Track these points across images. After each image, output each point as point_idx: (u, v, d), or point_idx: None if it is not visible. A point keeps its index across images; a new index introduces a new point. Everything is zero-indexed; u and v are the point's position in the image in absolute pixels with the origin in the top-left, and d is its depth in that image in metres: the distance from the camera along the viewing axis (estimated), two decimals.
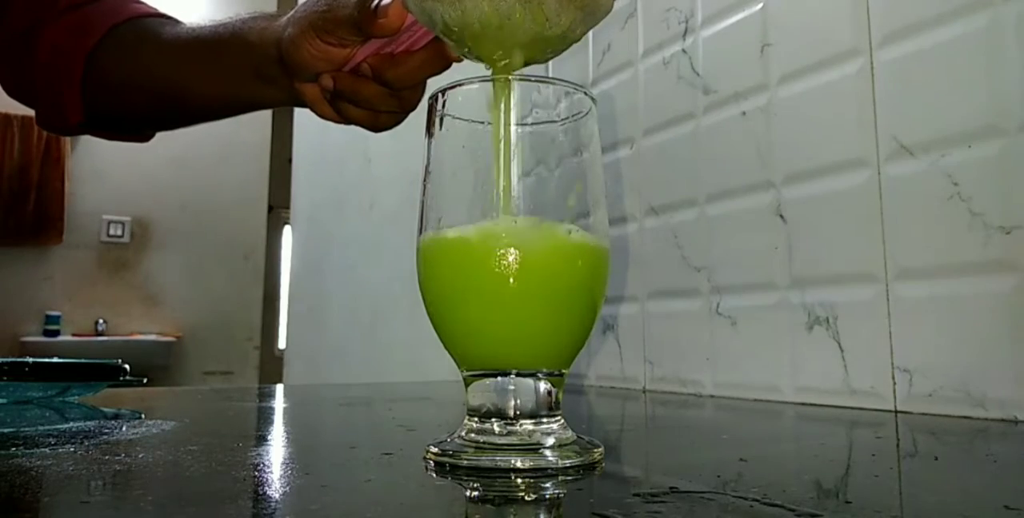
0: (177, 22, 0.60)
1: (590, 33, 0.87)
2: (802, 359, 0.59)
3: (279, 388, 0.91)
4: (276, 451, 0.36)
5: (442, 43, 0.46)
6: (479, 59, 0.35)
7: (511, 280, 0.30)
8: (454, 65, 0.48)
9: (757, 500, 0.24)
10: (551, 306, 0.32)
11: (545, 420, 0.31)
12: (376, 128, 0.52)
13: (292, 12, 0.50)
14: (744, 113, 0.66)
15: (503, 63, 0.34)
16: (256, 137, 3.58)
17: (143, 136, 0.66)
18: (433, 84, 0.35)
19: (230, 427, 0.48)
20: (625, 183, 0.79)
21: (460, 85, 0.33)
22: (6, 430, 0.41)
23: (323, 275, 1.71)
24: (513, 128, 0.32)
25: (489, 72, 0.34)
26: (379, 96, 0.49)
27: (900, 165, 0.53)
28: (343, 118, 0.51)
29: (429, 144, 0.34)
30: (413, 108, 0.51)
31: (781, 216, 0.62)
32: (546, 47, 0.34)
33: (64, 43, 0.59)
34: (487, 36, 0.33)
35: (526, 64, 0.34)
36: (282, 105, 0.56)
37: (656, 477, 0.31)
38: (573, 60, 0.90)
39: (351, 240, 1.55)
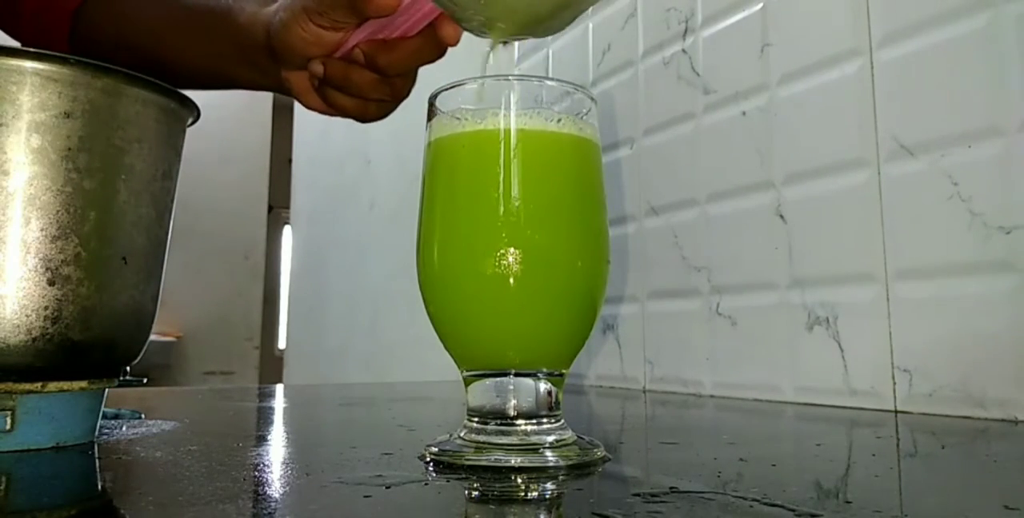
0: None
1: (590, 32, 0.87)
2: (802, 359, 0.59)
3: (279, 388, 0.91)
4: (276, 451, 0.36)
5: (437, 29, 0.44)
6: (482, 29, 0.34)
7: (511, 166, 0.31)
8: (447, 53, 0.47)
9: (757, 500, 0.24)
10: (549, 196, 0.32)
11: (545, 420, 0.31)
12: (365, 118, 0.50)
13: None
14: (744, 113, 0.66)
15: (505, 34, 0.34)
16: (256, 137, 3.58)
17: None
18: (432, 86, 0.35)
19: (230, 427, 0.48)
20: (625, 183, 0.79)
21: (459, 86, 0.33)
22: None
23: (323, 275, 1.71)
24: (513, 127, 0.32)
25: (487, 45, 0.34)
26: (370, 83, 0.47)
27: (900, 165, 0.53)
28: (331, 107, 0.50)
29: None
30: (404, 97, 0.49)
31: (781, 216, 0.62)
32: (552, 17, 0.34)
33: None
34: (494, 3, 0.33)
35: (528, 36, 0.34)
36: (267, 90, 0.55)
37: (656, 477, 0.31)
38: (573, 60, 0.90)
39: (351, 240, 1.55)
